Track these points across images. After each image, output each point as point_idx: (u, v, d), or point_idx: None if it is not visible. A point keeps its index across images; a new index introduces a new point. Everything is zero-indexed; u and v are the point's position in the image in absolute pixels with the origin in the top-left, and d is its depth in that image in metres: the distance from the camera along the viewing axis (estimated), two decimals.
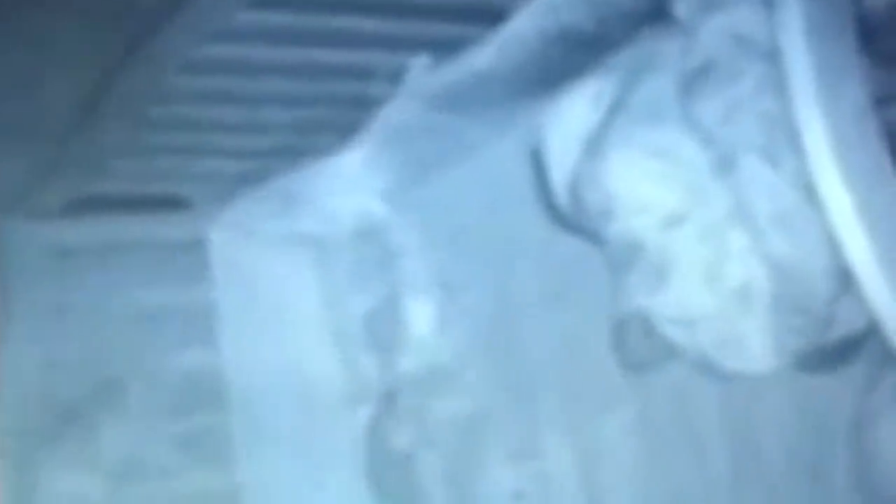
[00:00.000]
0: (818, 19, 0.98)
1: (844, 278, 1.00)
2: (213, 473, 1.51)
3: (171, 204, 1.52)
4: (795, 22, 0.98)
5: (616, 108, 1.16)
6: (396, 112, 1.31)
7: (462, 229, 1.42)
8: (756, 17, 1.06)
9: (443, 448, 1.45)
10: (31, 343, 1.46)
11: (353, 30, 1.20)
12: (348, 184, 1.43)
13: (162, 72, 1.24)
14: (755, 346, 1.08)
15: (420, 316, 1.47)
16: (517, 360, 1.38)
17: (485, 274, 1.41)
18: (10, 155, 1.34)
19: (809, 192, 1.00)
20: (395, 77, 1.28)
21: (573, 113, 1.20)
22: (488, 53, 1.22)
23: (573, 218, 1.21)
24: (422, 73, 1.27)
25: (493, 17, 1.20)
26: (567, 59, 1.20)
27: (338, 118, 1.36)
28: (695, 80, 1.09)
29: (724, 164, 1.08)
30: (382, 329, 1.50)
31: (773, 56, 1.01)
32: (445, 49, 1.25)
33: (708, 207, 1.10)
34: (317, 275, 1.57)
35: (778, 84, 1.01)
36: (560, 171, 1.21)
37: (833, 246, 0.98)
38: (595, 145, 1.17)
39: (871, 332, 1.01)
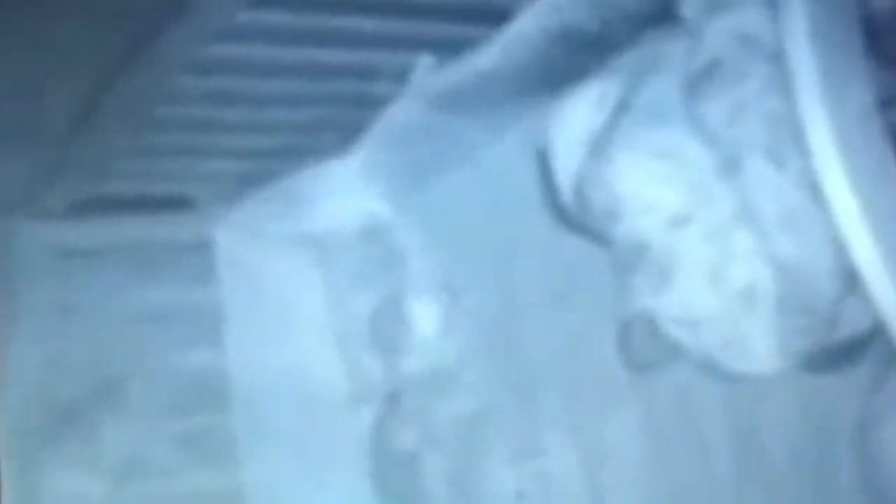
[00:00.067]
0: (823, 21, 0.98)
1: (849, 279, 1.00)
2: (217, 473, 1.51)
3: (175, 204, 1.53)
4: (800, 23, 0.98)
5: (621, 109, 1.16)
6: (400, 112, 1.31)
7: (466, 230, 1.42)
8: (761, 18, 1.06)
9: (446, 448, 1.45)
10: (35, 343, 1.46)
11: (356, 30, 1.20)
12: (352, 184, 1.43)
13: (165, 72, 1.24)
14: (760, 347, 1.08)
15: (424, 316, 1.47)
16: (521, 360, 1.38)
17: (488, 274, 1.41)
18: (14, 156, 1.34)
19: (814, 192, 1.00)
20: (399, 77, 1.28)
21: (578, 114, 1.20)
22: (492, 54, 1.22)
23: (578, 218, 1.21)
24: (426, 73, 1.27)
25: (498, 17, 1.20)
26: (571, 59, 1.20)
27: (342, 118, 1.36)
28: (700, 81, 1.09)
29: (730, 165, 1.08)
30: (386, 329, 1.50)
31: (778, 57, 1.01)
32: (449, 49, 1.25)
33: (713, 208, 1.10)
34: (321, 275, 1.57)
35: (783, 85, 1.00)
36: (565, 171, 1.21)
37: (838, 246, 0.98)
38: (600, 146, 1.17)
39: (876, 332, 1.01)
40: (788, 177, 1.04)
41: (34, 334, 1.46)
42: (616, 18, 1.15)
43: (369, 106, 1.33)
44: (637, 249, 1.14)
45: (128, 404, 1.49)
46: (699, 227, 1.11)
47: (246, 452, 1.52)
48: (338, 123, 1.37)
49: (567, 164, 1.20)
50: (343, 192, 1.44)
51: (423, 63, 1.28)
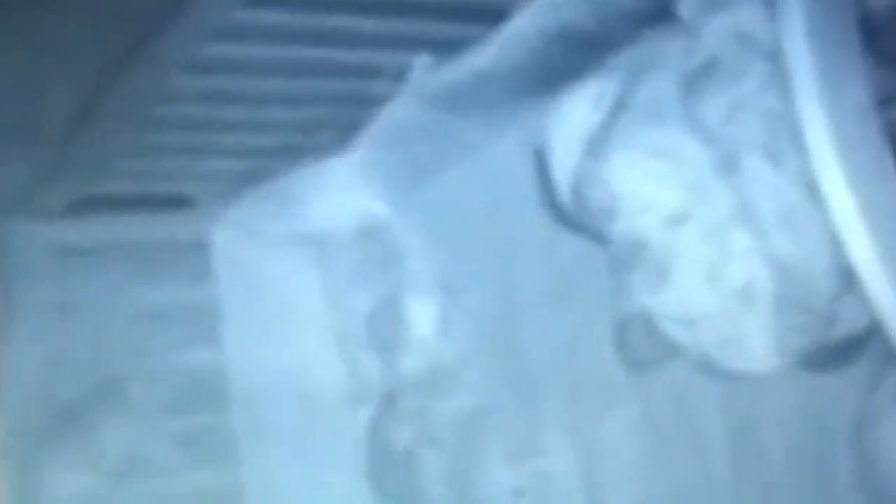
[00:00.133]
0: (821, 19, 0.98)
1: (847, 277, 1.00)
2: (216, 473, 1.51)
3: (174, 204, 1.53)
4: (798, 22, 0.98)
5: (619, 108, 1.16)
6: (398, 112, 1.31)
7: (464, 229, 1.42)
8: (759, 17, 1.06)
9: (444, 447, 1.45)
10: (34, 342, 1.46)
11: (354, 29, 1.20)
12: (350, 183, 1.43)
13: (164, 72, 1.24)
14: (757, 346, 1.08)
15: (422, 316, 1.47)
16: (519, 359, 1.38)
17: (486, 273, 1.41)
18: (14, 156, 1.34)
19: (812, 191, 1.00)
20: (397, 76, 1.28)
21: (575, 113, 1.20)
22: (490, 53, 1.22)
23: (576, 217, 1.21)
24: (423, 72, 1.27)
25: (495, 16, 1.20)
26: (569, 58, 1.20)
27: (339, 117, 1.36)
28: (697, 80, 1.09)
29: (727, 164, 1.08)
30: (384, 329, 1.50)
31: (775, 56, 1.01)
32: (447, 48, 1.25)
33: (711, 207, 1.10)
34: (319, 274, 1.57)
35: (781, 83, 1.00)
36: (563, 170, 1.21)
37: (835, 245, 0.98)
38: (597, 145, 1.17)
39: (873, 331, 1.01)
40: (786, 175, 1.04)
41: (33, 333, 1.46)
42: (613, 17, 1.15)
43: (367, 105, 1.33)
44: (634, 248, 1.14)
45: (127, 403, 1.49)
46: (697, 225, 1.11)
47: (245, 452, 1.52)
48: (336, 122, 1.37)
49: (565, 162, 1.20)
50: (341, 191, 1.44)
51: (421, 62, 1.28)
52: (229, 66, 1.24)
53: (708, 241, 1.10)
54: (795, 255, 1.05)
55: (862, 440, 1.07)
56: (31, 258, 1.47)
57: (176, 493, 1.49)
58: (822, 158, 0.97)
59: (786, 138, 1.03)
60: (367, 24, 1.20)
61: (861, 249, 0.96)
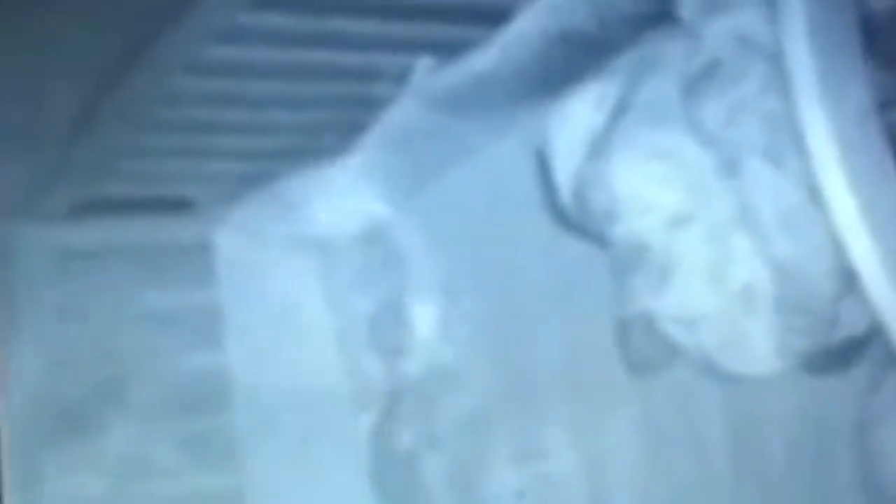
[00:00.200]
0: (822, 21, 0.98)
1: (848, 279, 1.00)
2: (218, 475, 1.51)
3: (176, 206, 1.52)
4: (799, 24, 0.98)
5: (620, 110, 1.16)
6: (399, 114, 1.31)
7: (466, 231, 1.42)
8: (760, 19, 1.06)
9: (447, 449, 1.45)
10: (36, 345, 1.46)
11: (355, 31, 1.20)
12: (352, 186, 1.43)
13: (165, 74, 1.24)
14: (759, 348, 1.08)
15: (424, 318, 1.47)
16: (521, 361, 1.38)
17: (488, 276, 1.41)
18: (15, 158, 1.34)
19: (813, 193, 1.00)
20: (399, 79, 1.28)
21: (577, 115, 1.20)
22: (491, 55, 1.22)
23: (577, 220, 1.21)
24: (425, 74, 1.27)
25: (496, 18, 1.20)
26: (570, 60, 1.20)
27: (342, 120, 1.36)
28: (698, 82, 1.09)
29: (728, 166, 1.08)
30: (386, 331, 1.50)
31: (776, 57, 1.01)
32: (448, 51, 1.25)
33: (712, 209, 1.10)
34: (321, 277, 1.57)
35: (782, 85, 1.00)
36: (564, 172, 1.21)
37: (836, 247, 0.98)
38: (599, 147, 1.17)
39: (874, 333, 1.01)
40: (787, 177, 1.04)
41: (36, 336, 1.46)
42: (614, 20, 1.15)
43: (369, 108, 1.33)
44: (636, 250, 1.14)
45: (129, 406, 1.49)
46: (698, 227, 1.11)
47: (247, 454, 1.51)
48: (337, 125, 1.37)
49: (566, 165, 1.20)
50: (343, 193, 1.44)
51: (423, 65, 1.28)
52: (231, 68, 1.24)
53: (709, 244, 1.10)
54: (796, 257, 1.05)
55: (863, 442, 1.07)
56: (34, 261, 1.47)
57: (178, 495, 1.49)
58: (822, 161, 0.97)
59: (787, 140, 1.03)
60: (369, 27, 1.20)
61: (862, 251, 0.96)
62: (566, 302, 1.32)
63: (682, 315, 1.12)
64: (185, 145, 1.41)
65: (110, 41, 1.19)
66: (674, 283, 1.12)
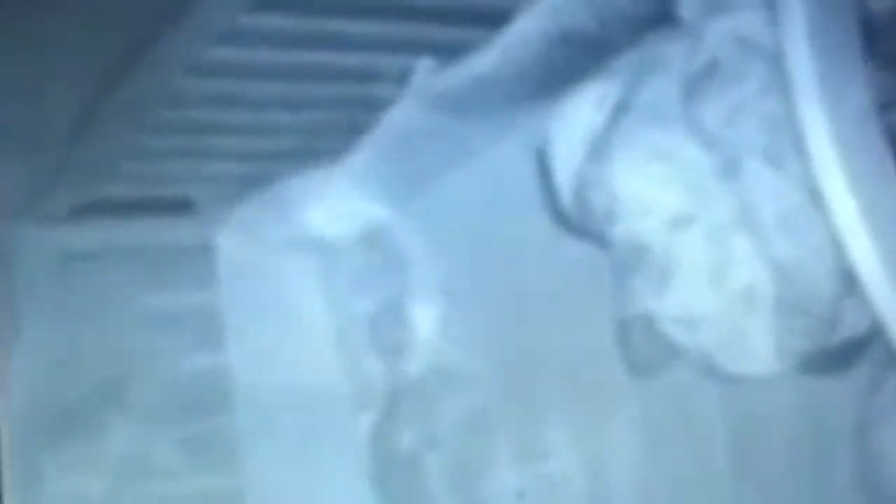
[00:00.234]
0: (822, 22, 0.98)
1: (848, 281, 1.00)
2: (219, 476, 1.51)
3: (177, 208, 1.53)
4: (799, 25, 0.98)
5: (620, 111, 1.16)
6: (400, 115, 1.31)
7: (466, 232, 1.42)
8: (760, 20, 1.06)
9: (447, 449, 1.45)
10: (37, 346, 1.46)
11: (356, 33, 1.20)
12: (352, 187, 1.43)
13: (166, 75, 1.24)
14: (759, 349, 1.08)
15: (424, 319, 1.47)
16: (521, 362, 1.38)
17: (489, 277, 1.41)
18: (15, 159, 1.34)
19: (813, 194, 1.00)
20: (400, 80, 1.29)
21: (577, 116, 1.20)
22: (492, 56, 1.22)
23: (578, 220, 1.21)
24: (426, 76, 1.28)
25: (497, 20, 1.20)
26: (571, 61, 1.20)
27: (342, 121, 1.36)
28: (698, 83, 1.09)
29: (728, 167, 1.08)
30: (387, 332, 1.50)
31: (777, 58, 1.01)
32: (449, 52, 1.25)
33: (712, 210, 1.10)
34: (322, 278, 1.57)
35: (782, 86, 1.01)
36: (564, 173, 1.21)
37: (837, 248, 0.98)
38: (599, 148, 1.17)
39: (874, 334, 1.01)
40: (787, 179, 1.04)
41: (37, 338, 1.46)
42: (615, 20, 1.15)
43: (370, 109, 1.33)
44: (636, 251, 1.14)
45: (130, 407, 1.49)
46: (698, 228, 1.11)
47: (248, 455, 1.52)
48: (338, 126, 1.37)
49: (567, 165, 1.20)
50: (343, 194, 1.44)
51: (424, 66, 1.28)
52: (232, 69, 1.24)
53: (709, 245, 1.10)
54: (797, 258, 1.05)
55: (863, 443, 1.07)
56: (34, 262, 1.47)
57: (178, 496, 1.49)
58: (823, 162, 0.97)
59: (787, 142, 1.03)
60: (369, 28, 1.20)
61: (862, 252, 0.96)
62: (566, 302, 1.32)
63: (682, 316, 1.12)
64: (185, 146, 1.41)
65: (111, 42, 1.19)
66: (674, 284, 1.12)
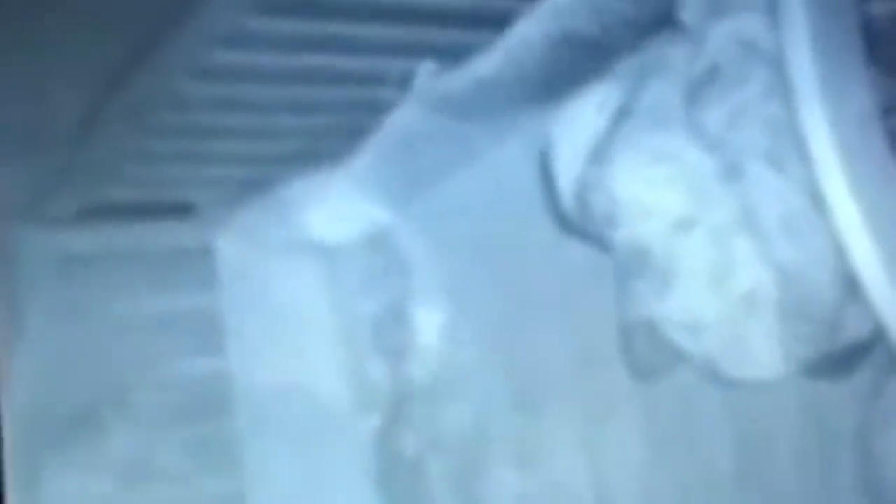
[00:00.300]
0: (823, 26, 0.98)
1: (851, 285, 1.00)
2: (221, 479, 1.51)
3: (179, 211, 1.53)
4: (800, 29, 0.98)
5: (622, 114, 1.16)
6: (403, 118, 1.31)
7: (469, 235, 1.42)
8: (762, 24, 1.06)
9: (451, 454, 1.45)
10: (39, 349, 1.46)
11: (359, 36, 1.20)
12: (355, 190, 1.43)
13: (170, 78, 1.24)
14: (762, 353, 1.08)
15: (428, 323, 1.47)
16: (525, 365, 1.38)
17: (492, 279, 1.41)
18: (19, 162, 1.34)
19: (815, 198, 1.00)
20: (403, 83, 1.29)
21: (580, 119, 1.20)
22: (495, 59, 1.22)
23: (580, 223, 1.21)
24: (428, 79, 1.28)
25: (500, 23, 1.20)
26: (573, 64, 1.20)
27: (344, 124, 1.36)
28: (700, 87, 1.09)
29: (730, 170, 1.08)
30: (390, 336, 1.50)
31: (779, 62, 1.01)
32: (452, 55, 1.25)
33: (714, 213, 1.10)
34: (324, 282, 1.57)
35: (784, 90, 1.01)
36: (567, 176, 1.21)
37: (839, 252, 0.98)
38: (601, 151, 1.17)
39: (877, 338, 1.01)
40: (789, 182, 1.04)
41: (38, 340, 1.46)
42: (617, 24, 1.15)
43: (372, 112, 1.33)
44: (638, 254, 1.14)
45: (133, 410, 1.49)
46: (701, 232, 1.11)
47: (250, 459, 1.52)
48: (340, 129, 1.37)
49: (569, 168, 1.20)
50: (345, 197, 1.44)
51: (426, 69, 1.28)
52: (235, 72, 1.24)
53: (712, 248, 1.10)
54: (799, 262, 1.05)
55: (866, 447, 1.07)
56: (37, 265, 1.48)
57: (181, 500, 1.49)
58: (824, 166, 0.97)
59: (789, 145, 1.03)
60: (372, 32, 1.20)
61: (864, 256, 0.97)
62: (570, 305, 1.32)
63: (685, 320, 1.12)
64: (187, 149, 1.41)
65: (115, 45, 1.19)
66: (676, 288, 1.12)
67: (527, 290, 1.37)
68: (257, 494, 1.51)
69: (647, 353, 1.19)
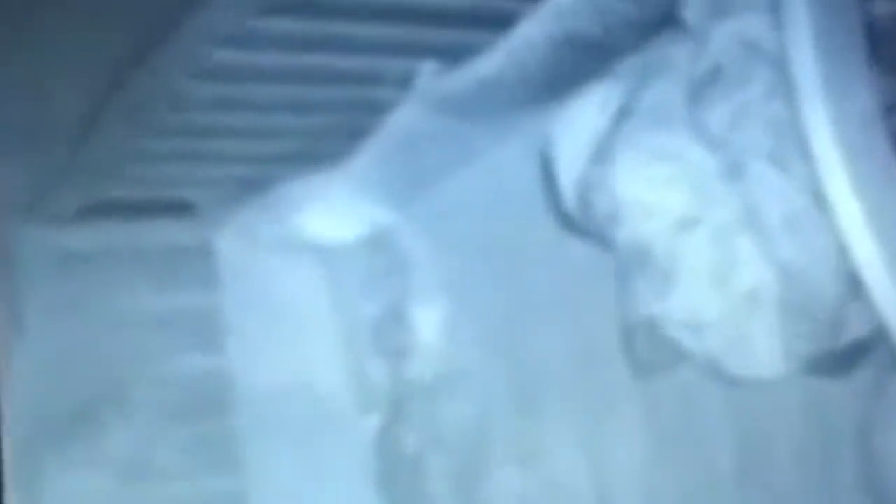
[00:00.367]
0: (826, 26, 0.98)
1: (853, 283, 1.01)
2: (221, 478, 1.51)
3: (178, 209, 1.53)
4: (803, 29, 0.98)
5: (624, 114, 1.17)
6: (404, 118, 1.31)
7: (470, 234, 1.42)
8: (764, 24, 1.06)
9: (451, 452, 1.45)
10: (38, 347, 1.46)
11: (361, 36, 1.20)
12: (355, 190, 1.43)
13: (170, 78, 1.24)
14: (764, 351, 1.08)
15: (428, 322, 1.47)
16: (525, 364, 1.38)
17: (492, 279, 1.41)
18: (19, 162, 1.34)
19: (818, 197, 1.00)
20: (404, 83, 1.29)
21: (582, 118, 1.20)
22: (497, 59, 1.22)
23: (582, 223, 1.21)
24: (430, 79, 1.28)
25: (502, 23, 1.20)
26: (575, 64, 1.20)
27: (345, 124, 1.36)
28: (703, 86, 1.10)
29: (733, 170, 1.09)
30: (390, 335, 1.50)
31: (781, 62, 1.02)
32: (453, 55, 1.25)
33: (716, 212, 1.10)
34: (324, 281, 1.57)
35: (786, 90, 1.01)
36: (568, 176, 1.21)
37: (841, 251, 0.99)
38: (603, 150, 1.17)
39: (878, 337, 1.02)
40: (792, 181, 1.05)
41: (37, 338, 1.46)
42: (619, 24, 1.16)
43: (373, 112, 1.33)
44: (640, 253, 1.15)
45: (132, 408, 1.49)
46: (703, 230, 1.11)
47: (250, 457, 1.52)
48: (341, 129, 1.37)
49: (570, 168, 1.21)
50: (346, 197, 1.44)
51: (427, 69, 1.28)
52: (236, 72, 1.24)
53: (714, 247, 1.10)
54: (801, 261, 1.05)
55: (868, 445, 1.07)
56: (37, 263, 1.48)
57: (181, 498, 1.49)
58: (827, 165, 0.97)
59: (791, 145, 1.03)
60: (373, 31, 1.20)
61: (866, 255, 0.97)
62: (571, 304, 1.33)
63: (686, 319, 1.12)
64: (187, 149, 1.41)
65: (116, 45, 1.19)
66: (678, 287, 1.12)
67: (528, 289, 1.37)
68: (257, 493, 1.51)
69: (649, 352, 1.19)
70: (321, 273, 1.57)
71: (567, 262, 1.31)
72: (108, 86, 1.26)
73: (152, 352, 1.51)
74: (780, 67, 1.02)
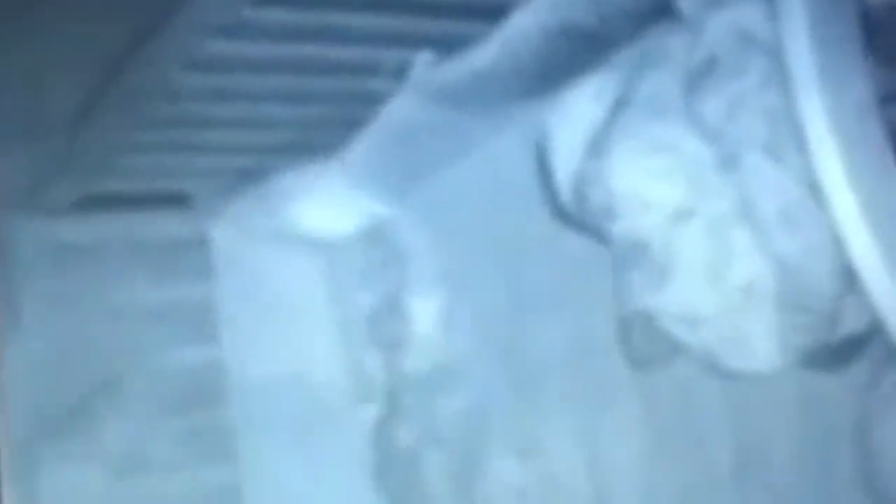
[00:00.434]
0: (821, 16, 0.98)
1: (848, 276, 1.00)
2: (216, 470, 1.51)
3: (174, 201, 1.53)
4: (799, 19, 0.98)
5: (620, 105, 1.16)
6: (399, 109, 1.31)
7: (466, 226, 1.42)
8: (760, 14, 1.06)
9: (447, 445, 1.45)
10: (34, 338, 1.46)
11: (356, 26, 1.20)
12: (351, 181, 1.43)
13: (166, 68, 1.24)
14: (760, 345, 1.08)
15: (424, 313, 1.47)
16: (522, 357, 1.38)
17: (490, 271, 1.41)
18: (16, 152, 1.34)
19: (814, 188, 0.99)
20: (399, 74, 1.28)
21: (577, 110, 1.20)
22: (492, 50, 1.22)
23: (578, 216, 1.21)
24: (425, 69, 1.27)
25: (496, 14, 1.20)
26: (570, 55, 1.20)
27: (341, 115, 1.36)
28: (699, 77, 1.09)
29: (728, 161, 1.08)
30: (387, 327, 1.50)
31: (777, 52, 1.01)
32: (448, 46, 1.25)
33: (712, 204, 1.10)
34: (320, 272, 1.57)
35: (782, 80, 1.00)
36: (564, 168, 1.21)
37: (837, 243, 0.98)
38: (599, 142, 1.17)
39: (874, 330, 1.01)
40: (787, 172, 1.04)
41: (33, 329, 1.46)
42: (615, 15, 1.15)
43: (368, 103, 1.32)
44: (636, 246, 1.14)
45: (127, 401, 1.49)
46: (698, 222, 1.11)
47: (245, 449, 1.52)
48: (336, 120, 1.36)
49: (567, 159, 1.20)
50: (341, 188, 1.44)
51: (423, 60, 1.27)
52: (230, 63, 1.24)
53: (709, 239, 1.10)
54: (797, 254, 1.05)
55: (864, 438, 1.07)
56: (33, 255, 1.47)
57: (176, 490, 1.49)
58: (822, 156, 0.97)
59: (787, 135, 1.03)
60: (369, 22, 1.20)
61: (862, 247, 0.96)
62: (567, 297, 1.32)
63: (683, 312, 1.12)
64: (182, 140, 1.40)
65: (111, 36, 1.19)
66: (674, 280, 1.12)
67: (525, 281, 1.37)
68: (252, 485, 1.51)
69: (645, 345, 1.19)
70: (317, 264, 1.57)
71: (564, 253, 1.30)
72: (102, 78, 1.26)
73: (147, 344, 1.51)
74: (776, 58, 1.02)
